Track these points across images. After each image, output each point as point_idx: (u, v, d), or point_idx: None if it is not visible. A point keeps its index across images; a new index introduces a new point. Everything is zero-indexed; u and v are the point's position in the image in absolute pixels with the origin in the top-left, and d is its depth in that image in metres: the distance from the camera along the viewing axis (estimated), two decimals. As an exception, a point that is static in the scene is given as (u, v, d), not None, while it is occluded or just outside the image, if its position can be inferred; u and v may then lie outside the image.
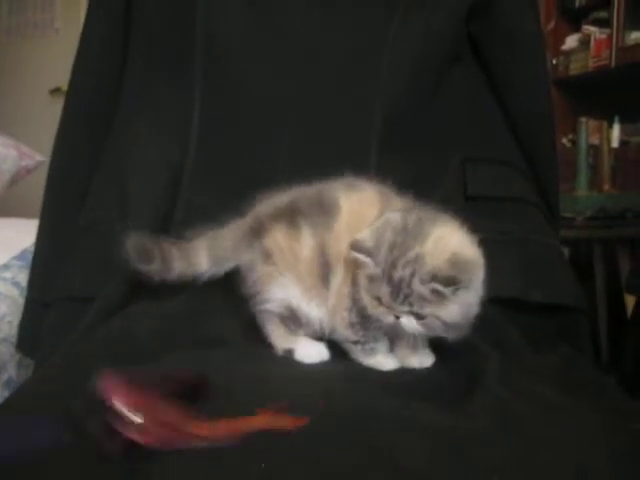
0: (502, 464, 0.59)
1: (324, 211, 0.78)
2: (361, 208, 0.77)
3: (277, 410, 0.61)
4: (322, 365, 0.78)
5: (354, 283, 0.75)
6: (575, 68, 3.09)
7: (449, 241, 0.71)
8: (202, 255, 0.82)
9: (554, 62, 3.12)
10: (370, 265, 0.71)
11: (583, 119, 2.55)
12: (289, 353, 0.79)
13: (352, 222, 0.77)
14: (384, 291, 0.70)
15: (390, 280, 0.69)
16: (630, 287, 1.93)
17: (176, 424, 0.58)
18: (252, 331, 0.81)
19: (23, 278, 1.35)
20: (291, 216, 0.79)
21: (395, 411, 0.65)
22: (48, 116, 3.00)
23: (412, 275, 0.69)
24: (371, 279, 0.71)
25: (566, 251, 2.26)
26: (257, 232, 0.81)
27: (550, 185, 1.09)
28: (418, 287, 0.69)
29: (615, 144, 2.71)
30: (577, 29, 3.15)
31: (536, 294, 0.92)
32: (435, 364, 0.78)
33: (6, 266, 1.42)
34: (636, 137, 2.78)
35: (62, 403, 0.65)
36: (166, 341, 0.79)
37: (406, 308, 0.70)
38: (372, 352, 0.77)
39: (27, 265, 1.32)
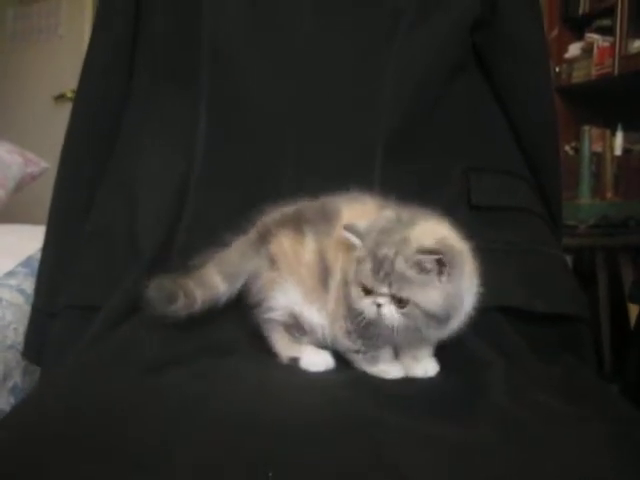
0: (506, 474, 0.59)
1: (326, 219, 0.80)
2: (361, 218, 0.77)
3: None
4: (327, 373, 0.78)
5: (345, 284, 0.76)
6: (578, 76, 3.10)
7: (437, 230, 0.74)
8: (215, 277, 0.82)
9: (557, 70, 3.13)
10: (359, 246, 0.73)
11: (586, 127, 2.56)
12: (294, 362, 0.79)
13: None
14: (366, 269, 0.71)
15: (374, 258, 0.71)
16: (633, 297, 1.93)
17: None
18: (258, 340, 0.82)
19: (28, 285, 1.35)
20: (297, 223, 0.80)
21: (398, 420, 0.65)
22: (52, 122, 3.02)
23: (396, 254, 0.70)
24: (358, 261, 0.72)
25: (569, 259, 2.25)
26: (264, 238, 0.82)
27: (553, 194, 1.09)
28: (400, 266, 0.70)
29: (618, 152, 2.72)
30: (580, 37, 3.16)
31: (540, 304, 0.92)
32: (439, 373, 0.78)
33: (11, 273, 1.43)
34: (639, 145, 2.78)
35: (69, 411, 0.67)
36: (173, 350, 0.80)
37: (385, 288, 0.70)
38: (374, 360, 0.78)
39: (32, 272, 1.33)
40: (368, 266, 0.71)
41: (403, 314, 0.71)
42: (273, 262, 0.80)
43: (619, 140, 2.75)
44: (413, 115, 0.98)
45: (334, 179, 0.82)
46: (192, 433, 0.62)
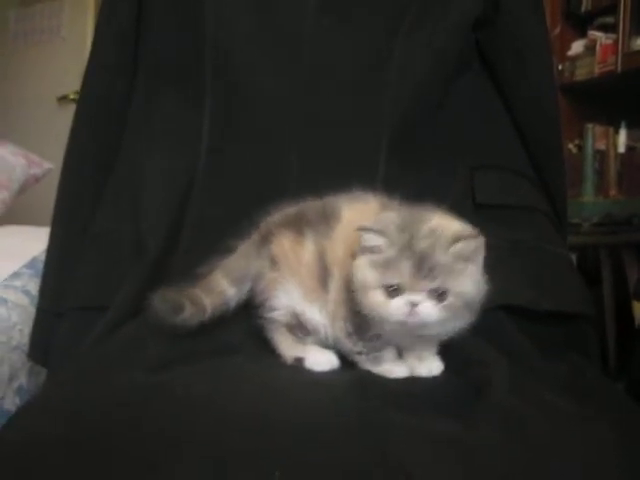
0: (510, 473, 0.59)
1: (325, 220, 0.79)
2: (361, 218, 0.77)
3: None
4: (332, 373, 0.78)
5: (348, 292, 0.75)
6: (581, 74, 3.09)
7: (450, 221, 0.73)
8: (222, 281, 0.82)
9: (560, 68, 3.12)
10: (383, 246, 0.70)
11: (589, 125, 2.55)
12: (299, 362, 0.79)
13: (349, 230, 0.77)
14: (405, 267, 0.69)
15: (413, 254, 0.68)
16: (638, 294, 1.93)
17: None
18: (263, 341, 0.82)
19: (33, 287, 1.36)
20: (298, 224, 0.80)
21: (403, 419, 0.65)
22: (55, 124, 3.03)
23: (433, 245, 0.69)
24: (385, 265, 0.70)
25: (573, 257, 2.25)
26: (265, 239, 0.82)
27: (558, 192, 1.09)
28: (442, 257, 0.68)
29: (621, 149, 2.71)
30: (583, 35, 3.15)
31: (546, 303, 0.91)
32: (444, 372, 0.78)
33: (16, 274, 1.43)
34: (643, 142, 2.77)
35: (74, 412, 0.67)
36: (178, 349, 0.80)
37: (428, 284, 0.68)
38: (377, 360, 0.77)
39: (37, 273, 1.34)
40: (407, 264, 0.69)
41: (443, 307, 0.69)
42: (274, 262, 0.80)
43: (622, 137, 2.74)
44: (416, 114, 0.98)
45: (338, 177, 0.82)
46: (197, 433, 0.62)
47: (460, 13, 0.99)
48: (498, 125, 1.06)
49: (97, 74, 1.08)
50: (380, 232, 0.71)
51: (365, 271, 0.72)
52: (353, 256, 0.74)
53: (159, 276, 0.91)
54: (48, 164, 2.24)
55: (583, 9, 3.11)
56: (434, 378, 0.77)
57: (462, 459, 0.60)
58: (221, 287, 0.82)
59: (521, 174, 1.05)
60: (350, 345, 0.77)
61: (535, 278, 0.94)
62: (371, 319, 0.73)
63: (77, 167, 1.08)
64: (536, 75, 1.08)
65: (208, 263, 0.83)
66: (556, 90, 1.16)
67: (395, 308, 0.70)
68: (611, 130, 2.70)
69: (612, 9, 2.91)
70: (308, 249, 0.79)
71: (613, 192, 2.53)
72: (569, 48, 3.17)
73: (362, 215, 0.78)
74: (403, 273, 0.69)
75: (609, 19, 2.98)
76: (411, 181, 0.92)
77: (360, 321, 0.75)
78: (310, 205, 0.82)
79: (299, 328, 0.80)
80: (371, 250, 0.72)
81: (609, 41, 2.94)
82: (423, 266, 0.68)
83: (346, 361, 0.79)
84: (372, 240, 0.71)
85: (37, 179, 2.25)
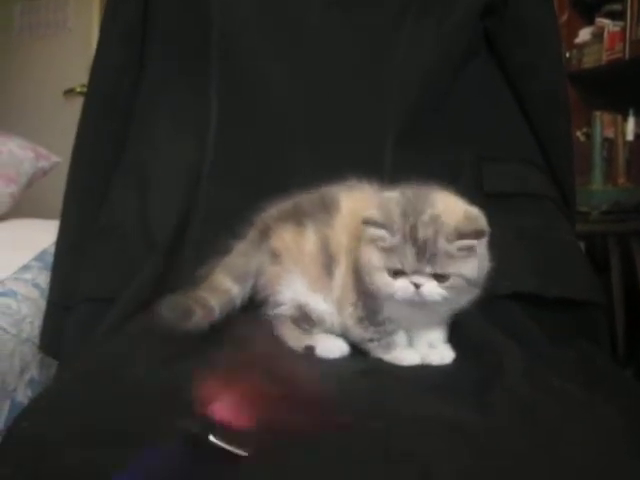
0: (522, 459, 0.59)
1: (326, 209, 0.80)
2: (361, 206, 0.78)
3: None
4: (342, 361, 0.78)
5: (357, 276, 0.76)
6: (588, 61, 3.07)
7: (455, 201, 0.74)
8: (225, 280, 0.82)
9: (567, 55, 3.10)
10: (387, 236, 0.72)
11: (597, 112, 2.53)
12: (309, 350, 0.79)
13: (350, 217, 0.79)
14: (408, 253, 0.70)
15: (415, 242, 0.70)
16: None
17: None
18: (270, 333, 0.82)
19: (43, 279, 1.36)
20: (296, 216, 0.81)
21: (415, 407, 0.65)
22: (62, 117, 3.03)
23: (436, 234, 0.70)
24: (390, 250, 0.72)
25: (581, 245, 2.25)
26: (264, 234, 0.82)
27: (566, 179, 1.09)
28: (444, 245, 0.70)
29: (630, 137, 2.69)
30: (590, 22, 3.13)
31: (554, 289, 0.91)
32: (455, 360, 0.78)
33: (26, 267, 1.44)
34: (651, 130, 2.76)
35: (86, 406, 0.67)
36: (188, 341, 0.80)
37: (429, 269, 0.70)
38: (389, 346, 0.78)
39: (46, 266, 1.34)
40: (410, 251, 0.70)
41: (445, 287, 0.71)
42: (275, 257, 0.81)
43: (631, 125, 2.72)
44: (423, 103, 0.98)
45: (344, 168, 0.82)
46: None
47: (468, 0, 0.99)
48: (506, 113, 1.06)
49: (104, 73, 1.08)
50: (383, 225, 0.72)
51: (371, 255, 0.73)
52: (358, 240, 0.75)
53: (168, 268, 0.92)
54: (56, 157, 2.24)
55: (590, -4, 3.09)
56: (445, 365, 0.78)
57: (474, 446, 0.60)
58: (225, 286, 0.82)
59: (530, 162, 1.05)
60: (361, 331, 0.78)
61: (544, 265, 0.94)
62: (380, 299, 0.75)
63: (85, 161, 1.08)
64: (545, 64, 1.07)
65: (208, 264, 0.83)
66: (566, 79, 1.15)
67: (400, 288, 0.72)
68: (619, 118, 2.68)
69: (620, -4, 2.89)
70: (310, 239, 0.80)
71: (622, 180, 2.51)
72: (576, 36, 3.15)
73: (361, 202, 0.78)
74: (406, 259, 0.71)
75: (616, 6, 2.95)
76: (419, 170, 0.92)
77: (370, 303, 0.76)
78: (305, 197, 0.83)
79: (304, 320, 0.80)
80: (375, 240, 0.73)
81: (617, 28, 2.91)
82: (425, 253, 0.70)
83: (356, 350, 0.80)
84: (376, 232, 0.73)
85: (45, 172, 2.25)
